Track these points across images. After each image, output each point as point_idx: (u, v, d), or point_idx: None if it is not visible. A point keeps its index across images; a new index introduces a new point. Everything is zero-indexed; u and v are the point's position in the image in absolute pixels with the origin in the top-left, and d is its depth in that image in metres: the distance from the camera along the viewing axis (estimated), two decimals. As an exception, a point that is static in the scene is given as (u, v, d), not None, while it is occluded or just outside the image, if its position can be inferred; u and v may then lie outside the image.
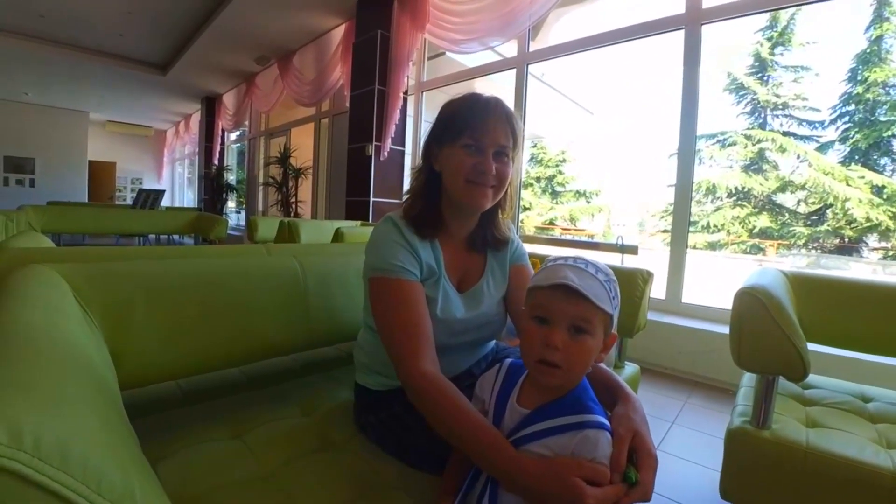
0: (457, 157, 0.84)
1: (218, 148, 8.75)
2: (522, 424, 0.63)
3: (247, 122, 7.93)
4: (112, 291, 0.83)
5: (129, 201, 10.16)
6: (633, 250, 2.87)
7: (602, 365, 0.76)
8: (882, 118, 10.36)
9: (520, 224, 3.53)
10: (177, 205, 12.42)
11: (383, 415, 0.87)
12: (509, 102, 3.74)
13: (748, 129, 12.22)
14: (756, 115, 12.41)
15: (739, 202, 11.96)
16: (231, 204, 9.26)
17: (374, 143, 4.18)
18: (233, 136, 9.16)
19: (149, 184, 12.88)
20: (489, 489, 0.63)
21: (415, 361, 0.74)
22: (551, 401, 0.63)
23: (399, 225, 0.86)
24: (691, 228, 2.89)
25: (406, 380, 0.74)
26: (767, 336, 1.02)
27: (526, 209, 14.78)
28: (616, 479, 0.57)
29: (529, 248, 1.20)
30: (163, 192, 6.80)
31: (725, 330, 1.13)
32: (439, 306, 0.85)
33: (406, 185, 0.99)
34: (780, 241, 11.36)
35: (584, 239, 13.16)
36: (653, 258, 2.99)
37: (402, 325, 0.77)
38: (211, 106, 8.76)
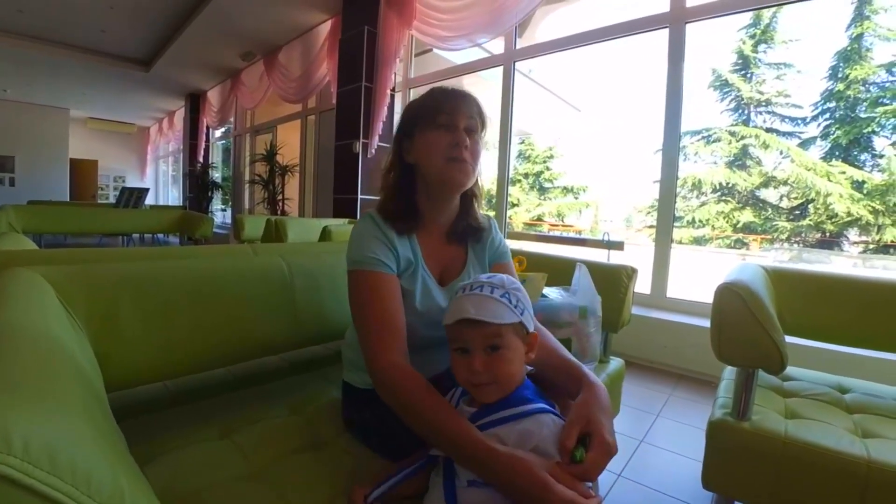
0: (433, 137, 0.86)
1: (203, 145, 8.62)
2: (471, 420, 0.65)
3: (232, 119, 7.82)
4: (96, 293, 0.82)
5: (112, 200, 9.98)
6: (619, 246, 2.91)
7: (569, 356, 0.79)
8: (862, 115, 10.54)
9: (508, 221, 3.55)
10: (161, 203, 12.20)
11: (367, 413, 0.88)
12: (497, 99, 3.76)
13: (732, 125, 12.37)
14: (740, 111, 12.58)
15: (724, 197, 12.11)
16: (217, 202, 9.15)
17: (362, 140, 4.16)
18: (218, 133, 9.04)
19: (132, 182, 12.67)
20: (444, 486, 0.64)
21: (383, 353, 0.74)
22: (495, 401, 0.66)
23: (377, 220, 0.88)
24: (676, 224, 2.93)
25: (374, 371, 0.74)
26: (746, 330, 1.04)
27: (514, 205, 14.81)
28: (564, 460, 0.60)
29: (518, 244, 1.21)
30: (146, 190, 6.70)
31: (709, 324, 1.16)
32: (418, 298, 0.86)
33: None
34: (763, 236, 11.53)
35: (572, 235, 13.26)
36: (640, 254, 3.03)
37: (374, 317, 0.78)
38: (195, 103, 8.64)
